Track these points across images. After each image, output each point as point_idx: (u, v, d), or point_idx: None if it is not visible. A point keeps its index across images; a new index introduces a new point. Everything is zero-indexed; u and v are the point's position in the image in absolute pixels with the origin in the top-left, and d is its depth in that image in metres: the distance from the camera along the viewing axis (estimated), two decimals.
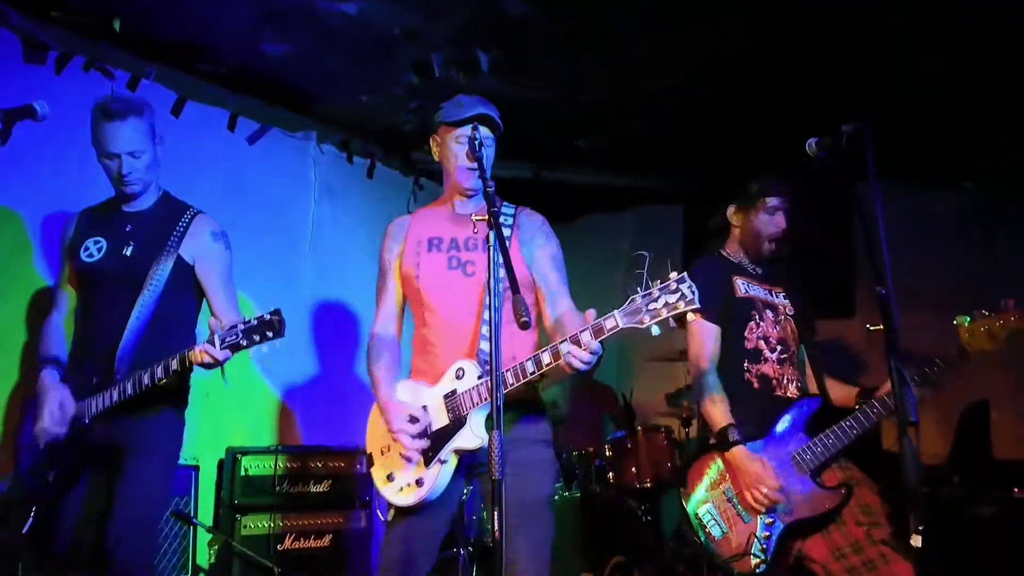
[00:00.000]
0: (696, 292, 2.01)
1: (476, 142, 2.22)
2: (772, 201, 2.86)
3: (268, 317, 2.32)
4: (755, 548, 2.52)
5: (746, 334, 2.79)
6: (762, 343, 2.79)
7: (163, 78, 4.01)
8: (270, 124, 4.58)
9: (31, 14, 3.46)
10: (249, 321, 2.33)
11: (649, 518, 4.47)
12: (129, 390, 2.48)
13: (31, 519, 2.50)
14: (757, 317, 2.81)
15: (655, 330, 2.03)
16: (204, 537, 3.71)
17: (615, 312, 2.06)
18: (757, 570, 2.51)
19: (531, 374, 2.15)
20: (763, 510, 2.55)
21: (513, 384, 2.16)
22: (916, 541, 1.90)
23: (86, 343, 2.69)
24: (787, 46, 3.74)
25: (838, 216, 5.07)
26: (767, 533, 2.53)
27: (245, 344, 2.32)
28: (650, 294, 2.03)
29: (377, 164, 5.18)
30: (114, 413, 2.52)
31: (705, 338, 2.78)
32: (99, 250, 2.70)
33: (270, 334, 2.31)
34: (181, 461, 3.77)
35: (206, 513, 3.88)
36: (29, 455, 2.59)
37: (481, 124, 2.42)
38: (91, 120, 2.65)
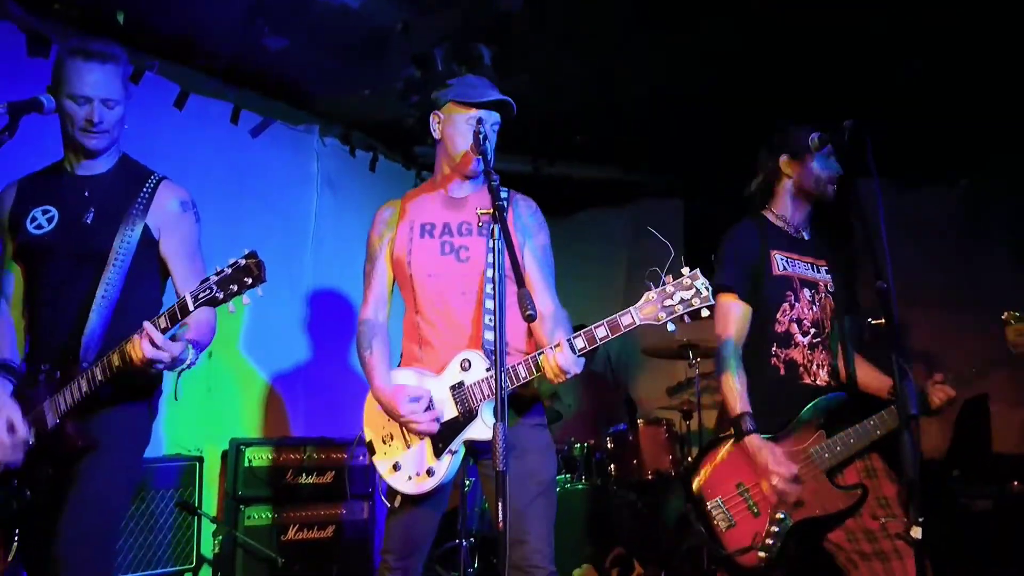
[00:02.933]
0: (710, 289, 2.03)
1: (481, 136, 2.23)
2: (827, 147, 2.65)
3: (243, 262, 1.95)
4: (762, 544, 2.49)
5: (778, 316, 2.63)
6: (794, 326, 2.63)
7: (166, 71, 4.02)
8: (273, 117, 4.59)
9: (33, 7, 3.46)
10: (222, 270, 1.97)
11: (649, 511, 4.50)
12: (99, 376, 2.14)
13: (15, 544, 2.23)
14: (792, 298, 2.64)
15: (671, 327, 2.06)
16: (208, 528, 3.74)
17: (631, 309, 2.08)
18: (762, 565, 2.48)
19: (539, 372, 2.17)
20: (777, 499, 2.49)
21: (526, 378, 2.18)
22: (916, 533, 1.92)
23: (42, 332, 2.32)
24: (780, 42, 3.75)
25: (834, 213, 5.08)
26: (776, 529, 2.48)
27: (222, 297, 1.96)
28: (664, 291, 2.05)
29: (380, 157, 5.19)
30: (85, 407, 2.19)
31: (733, 318, 2.64)
32: (49, 220, 2.32)
33: (249, 280, 1.94)
34: (184, 452, 3.85)
35: (210, 504, 3.92)
36: None
37: (498, 111, 2.42)
38: (57, 59, 2.30)
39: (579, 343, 2.10)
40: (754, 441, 2.53)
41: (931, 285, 4.60)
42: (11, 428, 2.17)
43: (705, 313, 2.05)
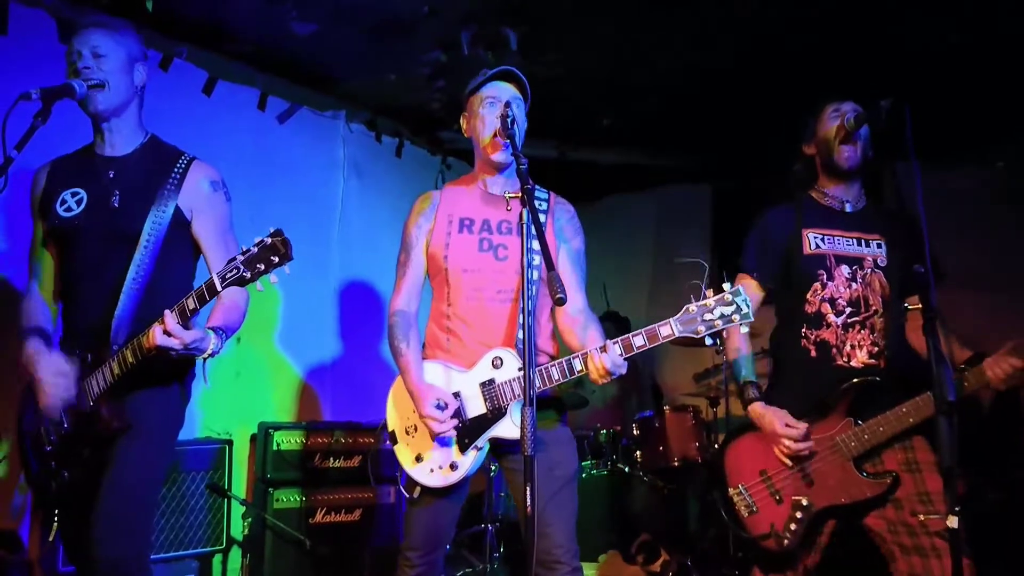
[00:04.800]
0: (751, 306, 2.05)
1: (508, 119, 2.21)
2: (829, 109, 2.67)
3: (269, 240, 1.96)
4: (784, 530, 2.48)
5: (808, 296, 2.58)
6: (827, 306, 2.57)
7: (194, 58, 4.04)
8: (300, 103, 4.60)
9: None
10: (248, 250, 1.97)
11: (675, 497, 4.49)
12: (131, 359, 2.15)
13: (55, 525, 2.27)
14: (825, 277, 2.58)
15: (708, 341, 2.07)
16: (238, 510, 3.79)
17: (671, 320, 2.09)
18: (784, 551, 2.47)
19: (578, 372, 2.17)
20: (790, 462, 2.50)
21: (559, 380, 2.18)
22: (952, 522, 1.89)
23: (73, 315, 2.33)
24: (811, 18, 3.67)
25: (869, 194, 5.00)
26: (799, 515, 2.47)
27: (250, 277, 1.96)
28: (705, 305, 2.06)
29: (405, 143, 5.20)
30: (118, 389, 2.21)
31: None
32: (79, 203, 2.31)
33: (276, 259, 1.95)
34: (214, 435, 3.90)
35: (240, 486, 3.97)
36: (35, 446, 2.30)
37: (504, 80, 2.41)
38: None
39: (616, 350, 2.10)
40: (757, 408, 2.55)
41: (968, 266, 4.52)
42: (58, 371, 2.23)
43: (744, 330, 2.07)
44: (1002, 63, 3.94)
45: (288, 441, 3.87)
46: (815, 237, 2.62)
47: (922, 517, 2.36)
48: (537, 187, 2.48)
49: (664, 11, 3.68)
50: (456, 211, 2.47)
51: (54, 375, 2.23)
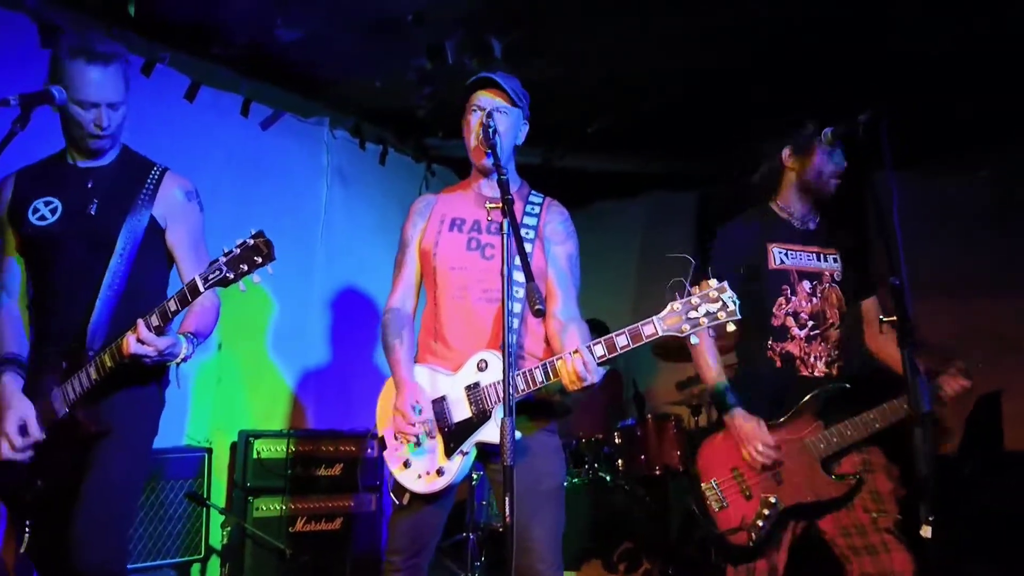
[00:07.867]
0: (738, 303, 1.97)
1: (489, 130, 2.21)
2: (826, 146, 2.67)
3: (251, 242, 1.98)
4: (752, 525, 2.53)
5: (774, 310, 2.65)
6: (790, 320, 2.64)
7: (177, 63, 4.02)
8: (283, 110, 4.59)
9: None
10: (230, 251, 1.99)
11: (657, 506, 4.50)
12: (108, 363, 2.15)
13: (26, 536, 2.23)
14: (788, 291, 2.65)
15: (694, 339, 2.01)
16: (217, 519, 3.76)
17: (654, 319, 2.02)
18: (750, 545, 2.53)
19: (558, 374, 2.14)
20: (760, 465, 2.54)
21: (543, 382, 2.15)
22: (926, 532, 1.91)
23: (48, 322, 2.31)
24: (801, 28, 3.71)
25: (850, 206, 5.04)
26: (766, 512, 2.52)
27: (233, 277, 1.98)
28: (689, 302, 1.99)
29: (390, 150, 5.19)
30: (94, 395, 2.20)
31: None
32: (53, 211, 2.30)
33: (259, 259, 1.97)
34: (194, 443, 3.87)
35: (219, 495, 3.94)
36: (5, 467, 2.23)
37: (481, 89, 2.41)
38: (55, 57, 2.26)
39: (599, 350, 2.06)
40: (739, 413, 2.59)
41: (957, 273, 4.57)
42: (23, 430, 2.19)
43: (731, 328, 1.98)
44: (991, 70, 3.98)
45: (268, 449, 3.85)
46: (779, 252, 2.70)
47: (874, 514, 2.47)
48: (532, 191, 2.53)
49: (660, 16, 3.69)
50: (449, 211, 2.49)
51: (12, 429, 2.18)
